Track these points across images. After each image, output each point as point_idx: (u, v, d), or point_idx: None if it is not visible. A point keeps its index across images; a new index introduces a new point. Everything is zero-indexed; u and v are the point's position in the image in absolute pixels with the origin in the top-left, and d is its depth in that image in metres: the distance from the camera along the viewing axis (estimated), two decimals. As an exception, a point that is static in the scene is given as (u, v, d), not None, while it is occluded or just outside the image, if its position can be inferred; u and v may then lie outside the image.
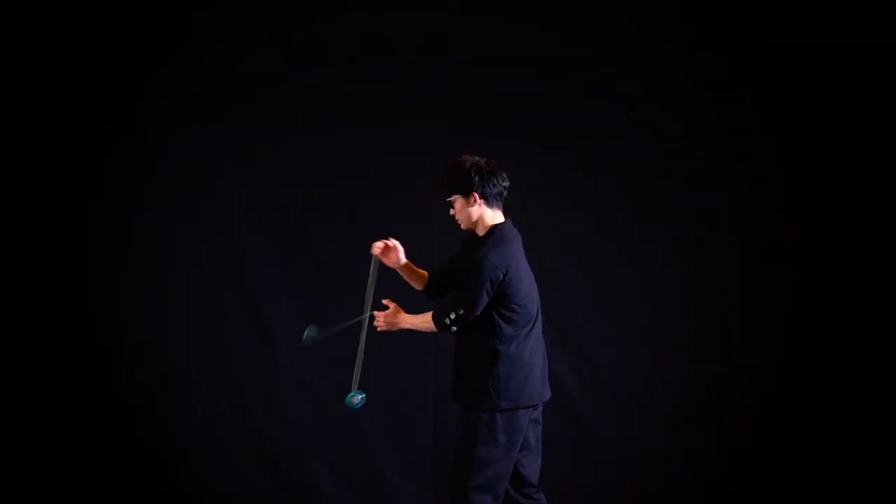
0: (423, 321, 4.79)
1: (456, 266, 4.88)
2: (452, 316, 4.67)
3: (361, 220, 6.29)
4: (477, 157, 4.71)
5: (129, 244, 6.20)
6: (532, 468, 4.87)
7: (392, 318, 4.87)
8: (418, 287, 5.01)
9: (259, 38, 6.19)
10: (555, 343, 6.22)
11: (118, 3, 6.10)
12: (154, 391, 6.20)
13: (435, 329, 4.75)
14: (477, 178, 4.67)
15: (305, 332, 4.91)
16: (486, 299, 4.63)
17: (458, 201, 4.73)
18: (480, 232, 4.77)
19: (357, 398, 4.86)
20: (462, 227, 4.80)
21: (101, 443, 6.16)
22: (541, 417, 4.88)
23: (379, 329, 4.87)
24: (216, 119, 6.21)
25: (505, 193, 4.75)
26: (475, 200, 4.70)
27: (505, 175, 4.73)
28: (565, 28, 6.31)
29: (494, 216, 4.75)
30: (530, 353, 4.73)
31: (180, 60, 6.21)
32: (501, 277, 4.61)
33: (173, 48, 6.20)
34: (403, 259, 4.93)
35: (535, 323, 4.77)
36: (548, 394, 4.83)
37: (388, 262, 4.94)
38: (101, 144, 6.18)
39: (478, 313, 4.64)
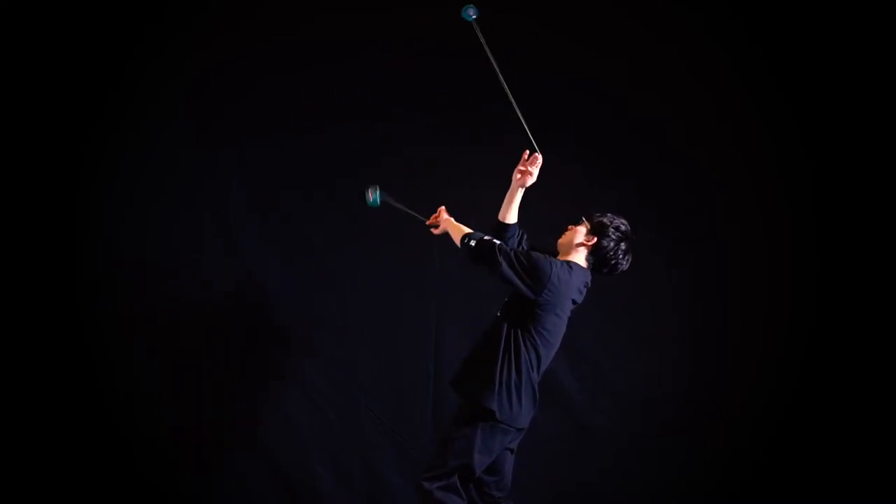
0: (459, 228, 4.96)
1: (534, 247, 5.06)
2: (485, 237, 4.80)
3: (361, 219, 6.29)
4: (630, 232, 4.93)
5: (127, 244, 6.20)
6: (500, 492, 5.03)
7: (443, 215, 5.13)
8: (502, 214, 5.09)
9: (255, 36, 6.19)
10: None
11: (114, 4, 6.10)
12: (153, 391, 6.20)
13: (461, 237, 4.86)
14: (613, 236, 4.88)
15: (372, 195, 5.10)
16: (516, 269, 4.69)
17: (584, 227, 4.93)
18: (560, 258, 4.93)
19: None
20: (558, 241, 4.98)
21: (100, 443, 6.15)
22: (515, 448, 5.01)
23: (435, 219, 5.17)
24: (215, 117, 6.21)
25: (606, 270, 4.94)
26: (589, 242, 4.89)
27: (624, 263, 4.94)
28: (565, 26, 6.31)
29: (581, 261, 4.91)
30: (534, 380, 4.85)
31: (179, 59, 6.21)
32: (547, 275, 4.69)
33: (171, 46, 6.20)
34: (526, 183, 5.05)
35: (547, 358, 4.89)
36: (528, 422, 4.94)
37: (525, 179, 5.04)
38: (99, 144, 6.18)
39: (500, 269, 4.69)
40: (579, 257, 4.92)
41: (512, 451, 4.99)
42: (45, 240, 6.12)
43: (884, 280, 6.43)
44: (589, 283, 4.94)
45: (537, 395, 4.89)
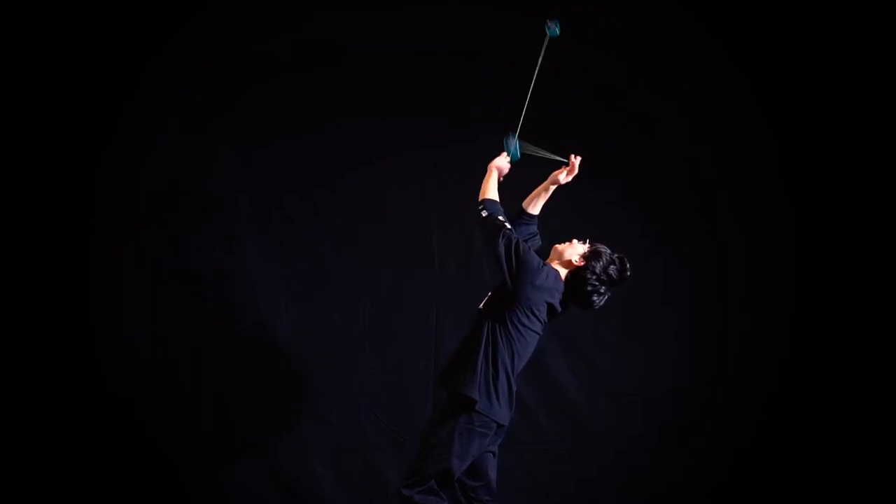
0: (486, 188, 5.01)
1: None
2: (499, 217, 4.86)
3: (361, 219, 6.29)
4: (619, 281, 4.92)
5: (127, 244, 6.20)
6: (488, 496, 5.03)
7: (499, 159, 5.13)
8: (527, 202, 5.20)
9: (255, 36, 6.19)
10: (553, 342, 6.23)
11: (114, 4, 6.10)
12: (154, 391, 6.19)
13: (481, 198, 4.96)
14: (597, 272, 4.89)
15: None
16: (510, 254, 4.76)
17: (583, 248, 4.95)
18: (548, 260, 4.99)
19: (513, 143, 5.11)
20: (555, 247, 5.01)
21: (100, 443, 6.15)
22: (497, 451, 5.02)
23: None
24: (215, 117, 6.20)
25: (571, 294, 4.93)
26: (577, 263, 4.92)
27: (597, 302, 4.94)
28: (567, 26, 6.30)
29: (562, 273, 4.94)
30: (510, 377, 4.87)
31: (179, 59, 6.20)
32: (535, 271, 4.77)
33: (171, 46, 6.19)
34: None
35: (522, 357, 4.90)
36: (509, 419, 4.94)
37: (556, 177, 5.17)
38: (99, 144, 6.17)
39: (495, 249, 4.77)
40: (562, 270, 4.95)
41: (494, 453, 5.00)
42: (45, 240, 6.11)
43: (884, 280, 6.43)
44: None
45: (514, 395, 4.90)
